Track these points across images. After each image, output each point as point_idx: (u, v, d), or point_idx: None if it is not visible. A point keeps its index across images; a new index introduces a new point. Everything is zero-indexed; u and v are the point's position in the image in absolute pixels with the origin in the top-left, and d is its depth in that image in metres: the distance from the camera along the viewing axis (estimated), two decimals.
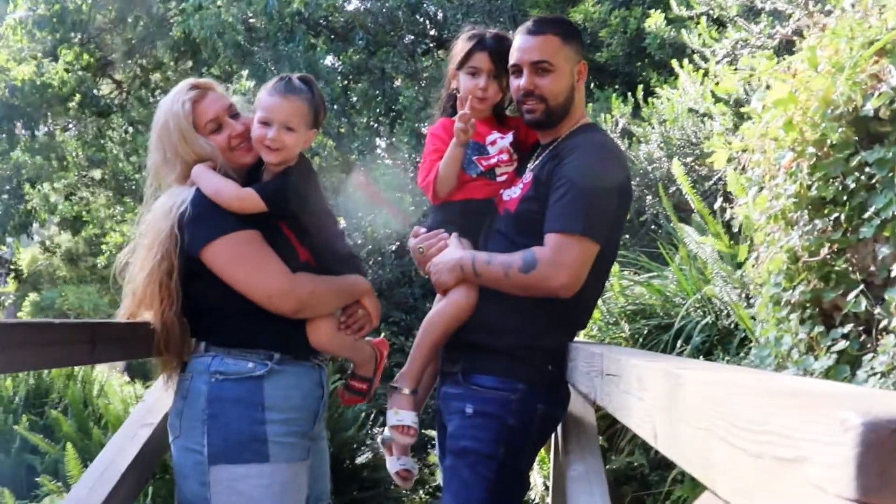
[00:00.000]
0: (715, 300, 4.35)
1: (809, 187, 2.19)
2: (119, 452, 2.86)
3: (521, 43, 2.87)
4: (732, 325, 4.21)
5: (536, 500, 4.80)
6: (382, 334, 7.63)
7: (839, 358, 2.10)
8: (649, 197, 6.20)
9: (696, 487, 3.43)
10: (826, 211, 2.19)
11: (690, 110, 5.87)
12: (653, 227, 6.31)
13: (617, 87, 8.51)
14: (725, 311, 4.29)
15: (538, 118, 2.88)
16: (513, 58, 2.89)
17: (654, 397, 1.35)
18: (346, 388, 3.10)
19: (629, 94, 6.80)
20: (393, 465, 3.08)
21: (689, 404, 1.11)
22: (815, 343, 2.20)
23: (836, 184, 2.13)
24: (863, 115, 2.10)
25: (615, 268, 5.02)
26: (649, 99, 6.48)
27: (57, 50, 14.69)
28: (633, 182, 6.24)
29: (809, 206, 2.22)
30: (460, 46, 3.05)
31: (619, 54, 8.34)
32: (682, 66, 6.01)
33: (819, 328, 2.22)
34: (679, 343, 4.29)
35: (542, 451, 4.21)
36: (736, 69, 5.53)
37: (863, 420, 0.63)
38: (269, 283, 2.67)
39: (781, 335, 2.38)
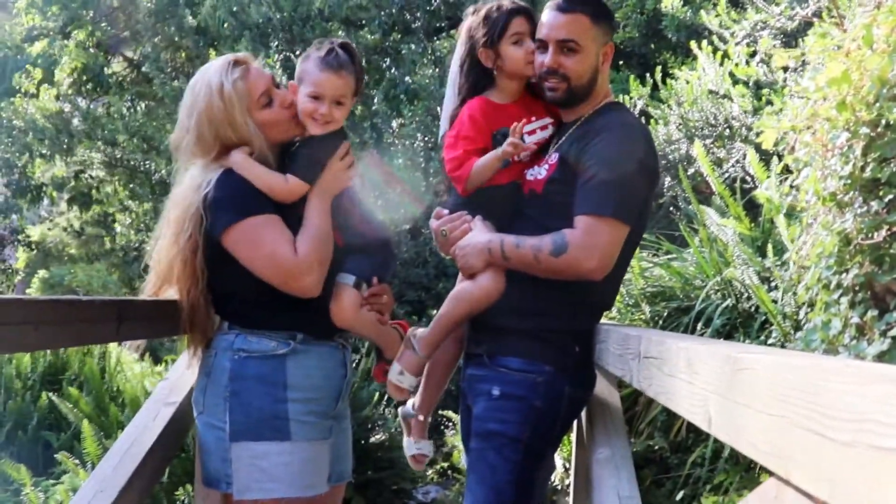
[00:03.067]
0: (735, 283, 4.32)
1: (863, 168, 2.15)
2: (143, 431, 2.85)
3: (549, 19, 2.81)
4: (753, 308, 4.19)
5: (556, 482, 4.79)
6: (396, 313, 7.62)
7: (894, 342, 2.07)
8: (668, 179, 6.16)
9: (739, 473, 3.41)
10: (881, 193, 2.15)
11: (710, 92, 5.83)
12: (671, 208, 6.28)
13: (633, 68, 8.44)
14: (746, 294, 4.26)
15: (559, 97, 2.84)
16: (540, 33, 2.83)
17: (707, 381, 1.33)
18: (382, 372, 3.11)
19: (647, 75, 6.75)
20: (410, 447, 3.08)
21: (757, 390, 1.08)
22: (868, 327, 2.17)
23: (892, 165, 2.09)
24: None
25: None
26: (667, 80, 6.43)
27: (68, 28, 14.67)
28: None
29: (862, 188, 2.18)
30: (488, 18, 2.97)
31: (636, 35, 8.28)
32: (700, 48, 5.97)
33: (872, 312, 2.18)
34: (699, 326, 4.27)
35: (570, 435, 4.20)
36: (755, 52, 5.49)
37: None
38: (282, 267, 2.63)
39: (829, 319, 2.34)
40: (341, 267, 2.82)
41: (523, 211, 2.90)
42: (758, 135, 3.30)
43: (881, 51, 2.08)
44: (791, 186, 3.01)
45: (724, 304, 4.31)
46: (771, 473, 1.06)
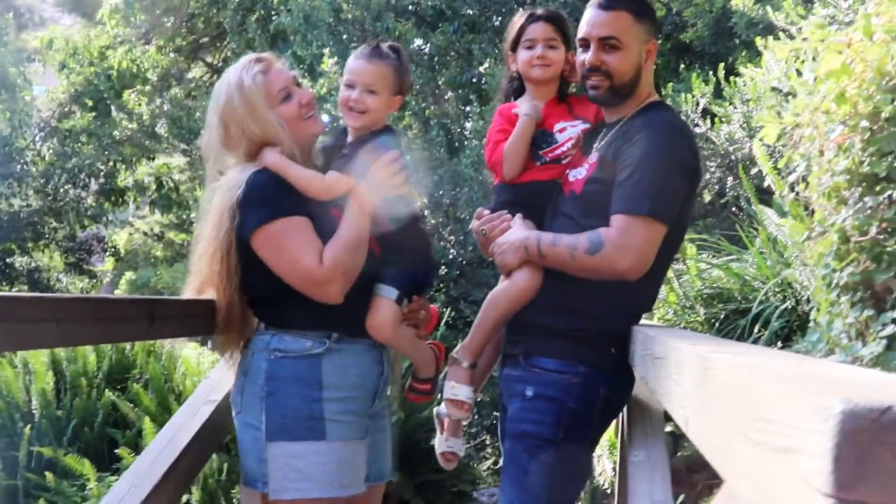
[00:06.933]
0: (795, 284, 4.21)
1: (862, 163, 2.07)
2: (181, 428, 2.89)
3: (591, 17, 2.81)
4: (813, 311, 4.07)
5: (606, 486, 4.73)
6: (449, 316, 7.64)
7: (889, 344, 1.98)
8: (730, 178, 6.04)
9: None
10: (879, 188, 2.07)
11: (773, 89, 5.69)
12: (733, 209, 6.16)
13: (706, 67, 8.28)
14: (806, 296, 4.15)
15: (602, 95, 2.82)
16: (581, 31, 2.84)
17: (688, 381, 1.30)
18: (410, 389, 3.14)
19: (709, 73, 6.64)
20: (440, 444, 3.07)
21: (713, 390, 1.06)
22: (866, 328, 2.09)
23: (890, 159, 2.01)
24: None
25: (692, 251, 4.91)
26: (731, 78, 6.30)
27: (150, 35, 15.03)
28: (713, 163, 6.12)
29: (864, 184, 2.10)
30: (512, 27, 3.09)
31: (705, 34, 8.13)
32: (765, 45, 5.83)
33: (869, 312, 2.10)
34: (757, 328, 4.17)
35: (613, 436, 4.15)
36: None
37: (842, 408, 0.57)
38: (304, 275, 2.64)
39: (832, 319, 2.27)
40: (380, 278, 2.82)
41: (563, 210, 2.89)
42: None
43: (881, 41, 2.01)
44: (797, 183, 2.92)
45: (783, 307, 4.20)
46: None
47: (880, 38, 2.03)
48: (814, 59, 4.48)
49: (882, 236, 2.00)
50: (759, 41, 5.91)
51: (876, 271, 2.10)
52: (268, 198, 2.66)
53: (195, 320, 2.84)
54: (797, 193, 4.55)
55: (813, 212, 3.10)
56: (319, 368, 2.71)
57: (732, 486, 0.90)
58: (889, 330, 1.99)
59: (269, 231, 2.64)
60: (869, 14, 2.06)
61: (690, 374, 1.26)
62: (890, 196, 2.04)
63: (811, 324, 2.45)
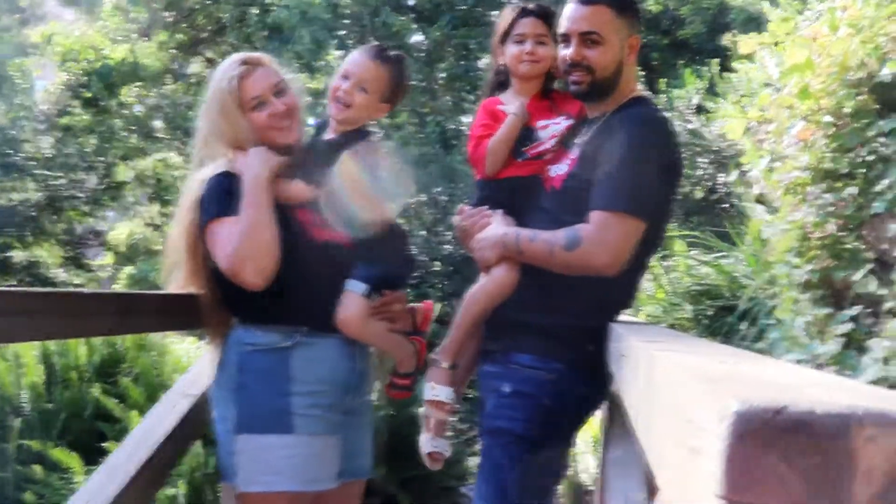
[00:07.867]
0: None
1: (824, 159, 2.05)
2: (158, 421, 2.90)
3: (571, 12, 2.79)
4: None
5: (590, 485, 4.72)
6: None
7: (847, 342, 1.96)
8: (722, 175, 6.02)
9: None
10: (839, 185, 2.05)
11: (766, 84, 5.67)
12: (725, 205, 6.14)
13: (704, 63, 8.26)
14: None
15: (583, 90, 2.80)
16: (562, 26, 2.81)
17: (640, 380, 1.29)
18: (390, 385, 3.11)
19: (705, 68, 6.63)
20: (426, 445, 3.04)
21: (655, 389, 1.04)
22: (825, 326, 2.06)
23: (852, 155, 1.98)
24: (879, 82, 1.94)
25: (682, 247, 4.89)
26: (724, 74, 6.29)
27: (149, 30, 15.02)
28: (705, 159, 6.10)
29: (826, 180, 2.08)
30: (502, 20, 3.05)
31: (702, 31, 8.11)
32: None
33: (827, 310, 2.07)
34: (745, 325, 4.15)
35: (598, 433, 4.13)
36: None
37: (736, 408, 0.55)
38: (222, 267, 2.65)
39: (794, 317, 2.24)
40: (350, 272, 2.81)
41: (543, 206, 2.88)
42: None
43: (845, 35, 1.98)
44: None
45: (771, 303, 4.18)
46: None
47: (845, 32, 2.00)
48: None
49: (842, 233, 1.98)
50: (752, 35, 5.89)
51: (835, 269, 2.07)
52: (220, 196, 2.69)
53: (171, 315, 2.86)
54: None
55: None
56: (288, 362, 2.72)
57: (660, 485, 0.89)
58: (846, 328, 1.97)
59: (210, 229, 2.68)
60: (834, 7, 2.03)
61: (643, 372, 1.25)
62: (852, 193, 2.00)
63: (772, 321, 2.43)
